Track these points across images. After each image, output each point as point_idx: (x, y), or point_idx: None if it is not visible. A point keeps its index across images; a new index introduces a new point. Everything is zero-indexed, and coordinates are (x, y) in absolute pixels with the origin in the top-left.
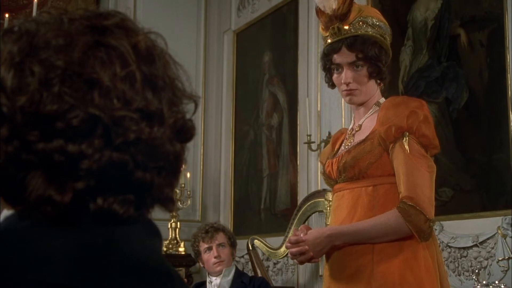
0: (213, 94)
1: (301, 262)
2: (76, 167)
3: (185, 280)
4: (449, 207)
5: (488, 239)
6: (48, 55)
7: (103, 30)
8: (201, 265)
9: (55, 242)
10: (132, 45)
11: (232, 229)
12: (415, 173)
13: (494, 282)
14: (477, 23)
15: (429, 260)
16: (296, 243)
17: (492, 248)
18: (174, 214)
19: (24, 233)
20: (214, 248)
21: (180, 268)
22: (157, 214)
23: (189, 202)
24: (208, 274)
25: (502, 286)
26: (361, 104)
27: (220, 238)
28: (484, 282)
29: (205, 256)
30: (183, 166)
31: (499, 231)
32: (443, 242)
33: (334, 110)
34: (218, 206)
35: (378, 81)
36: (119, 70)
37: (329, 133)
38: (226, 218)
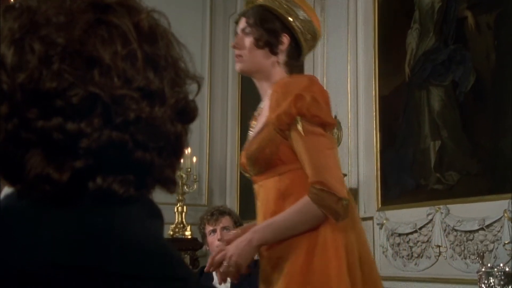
0: (219, 78)
1: (226, 274)
2: (75, 146)
3: (188, 263)
4: (455, 191)
5: (494, 222)
6: (49, 32)
7: (105, 8)
8: (207, 248)
9: (55, 222)
10: (134, 23)
11: (238, 213)
12: (317, 156)
13: (499, 265)
14: (484, 5)
15: (339, 244)
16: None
17: (498, 231)
18: (180, 198)
19: (23, 212)
20: (218, 231)
21: (186, 252)
22: (163, 198)
23: (195, 186)
24: None
25: (507, 269)
26: (251, 75)
27: (225, 221)
28: (489, 265)
29: (209, 238)
30: (187, 148)
31: (505, 215)
32: (449, 225)
33: (340, 94)
34: (224, 191)
35: (275, 56)
36: (120, 49)
37: (335, 117)
38: (232, 202)
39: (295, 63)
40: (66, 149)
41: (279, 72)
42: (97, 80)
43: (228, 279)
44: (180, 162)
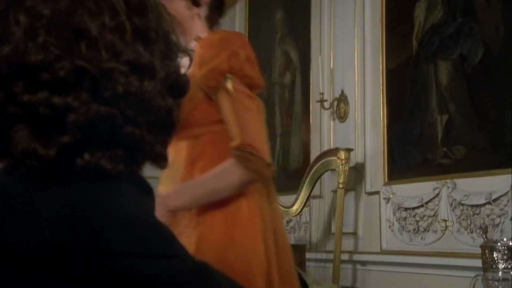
0: None
1: None
2: (62, 120)
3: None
4: (462, 164)
5: (501, 196)
6: (34, 3)
7: None
8: None
9: (43, 199)
10: None
11: None
12: (247, 117)
13: (503, 239)
14: None
15: (255, 215)
16: None
17: (505, 205)
18: None
19: (10, 188)
20: None
21: None
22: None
23: None
24: None
25: (510, 243)
26: None
27: None
28: (492, 239)
29: None
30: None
31: None
32: (455, 199)
33: (347, 68)
34: None
35: (197, 8)
36: (108, 21)
37: (342, 91)
38: None
39: (217, 17)
40: (53, 124)
41: (200, 26)
42: (84, 53)
43: None
44: (172, 137)
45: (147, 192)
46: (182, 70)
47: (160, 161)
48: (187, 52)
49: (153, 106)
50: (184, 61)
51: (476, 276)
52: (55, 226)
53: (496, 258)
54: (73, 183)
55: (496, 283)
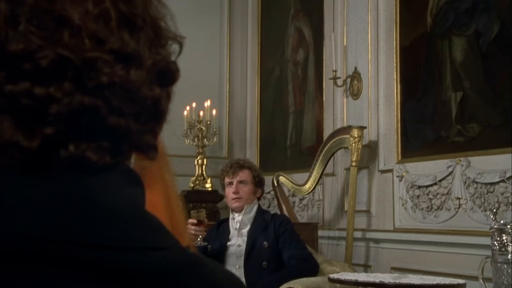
0: (238, 30)
1: None
2: (44, 111)
3: (171, 232)
4: (476, 142)
5: None
6: None
7: None
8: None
9: (27, 191)
10: None
11: (258, 166)
12: None
13: None
14: None
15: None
16: None
17: None
18: (200, 151)
19: None
20: (234, 183)
21: (207, 204)
22: (183, 151)
23: (215, 139)
24: (231, 210)
25: None
26: None
27: (243, 175)
28: (501, 221)
29: (226, 190)
30: (168, 113)
31: None
32: (469, 178)
33: (360, 45)
34: (244, 143)
35: None
36: (91, 8)
37: (355, 69)
38: (252, 155)
39: None
40: (36, 115)
41: None
42: (67, 42)
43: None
44: (162, 127)
45: (136, 182)
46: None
47: (149, 151)
48: (177, 39)
49: (139, 96)
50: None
51: (485, 258)
52: (40, 220)
53: (505, 241)
54: (58, 175)
55: (505, 266)
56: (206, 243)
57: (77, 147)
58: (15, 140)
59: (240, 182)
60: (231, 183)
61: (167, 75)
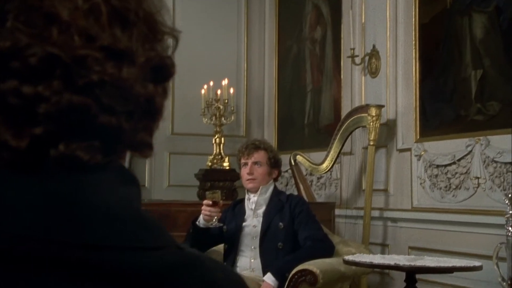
0: (256, 8)
1: None
2: (33, 111)
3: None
4: (496, 121)
5: None
6: None
7: None
8: None
9: (16, 191)
10: None
11: (276, 145)
12: None
13: None
14: None
15: None
16: None
17: None
18: (218, 129)
19: None
20: (249, 164)
21: (224, 183)
22: (201, 129)
23: (232, 117)
24: (247, 191)
25: None
26: None
27: (258, 156)
28: None
29: (241, 170)
30: (164, 109)
31: None
32: (489, 157)
33: (379, 23)
34: (262, 122)
35: None
36: (81, 3)
37: (374, 46)
38: (270, 134)
39: None
40: (24, 115)
41: None
42: (56, 39)
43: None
44: (158, 124)
45: (131, 181)
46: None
47: (143, 149)
48: (172, 33)
49: (131, 94)
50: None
51: (500, 244)
52: (30, 219)
53: None
54: (48, 175)
55: None
56: (221, 224)
57: (67, 146)
58: (3, 139)
59: (255, 163)
60: (246, 164)
61: (162, 71)
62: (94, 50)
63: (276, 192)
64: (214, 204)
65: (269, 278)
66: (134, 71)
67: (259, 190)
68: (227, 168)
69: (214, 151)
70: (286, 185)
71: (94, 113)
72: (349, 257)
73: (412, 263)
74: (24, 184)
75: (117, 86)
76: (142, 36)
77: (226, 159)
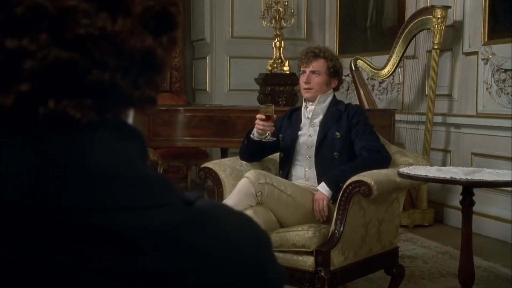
0: None
1: None
2: (18, 67)
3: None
4: None
5: None
6: None
7: None
8: None
9: (6, 152)
10: None
11: (337, 48)
12: None
13: None
14: None
15: None
16: None
17: None
18: (278, 33)
19: None
20: (307, 73)
21: (284, 87)
22: (261, 33)
23: (293, 20)
24: (304, 99)
25: None
26: None
27: (316, 65)
28: None
29: (300, 78)
30: (168, 64)
31: None
32: None
33: None
34: (323, 24)
35: None
36: None
37: None
38: (331, 36)
39: None
40: (9, 71)
41: None
42: None
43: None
44: (163, 77)
45: (131, 136)
46: None
47: (144, 105)
48: None
49: (126, 48)
50: None
51: None
52: (20, 183)
53: None
54: (38, 135)
55: None
56: (274, 138)
57: (57, 104)
58: None
59: (313, 72)
60: (304, 72)
61: (165, 21)
62: (83, 1)
63: (335, 102)
64: (268, 118)
65: (323, 187)
66: (129, 23)
67: (317, 99)
68: (287, 72)
69: (274, 55)
70: (347, 89)
71: (85, 69)
72: (404, 170)
73: (469, 177)
74: (11, 145)
75: (109, 40)
76: None
77: (286, 63)
